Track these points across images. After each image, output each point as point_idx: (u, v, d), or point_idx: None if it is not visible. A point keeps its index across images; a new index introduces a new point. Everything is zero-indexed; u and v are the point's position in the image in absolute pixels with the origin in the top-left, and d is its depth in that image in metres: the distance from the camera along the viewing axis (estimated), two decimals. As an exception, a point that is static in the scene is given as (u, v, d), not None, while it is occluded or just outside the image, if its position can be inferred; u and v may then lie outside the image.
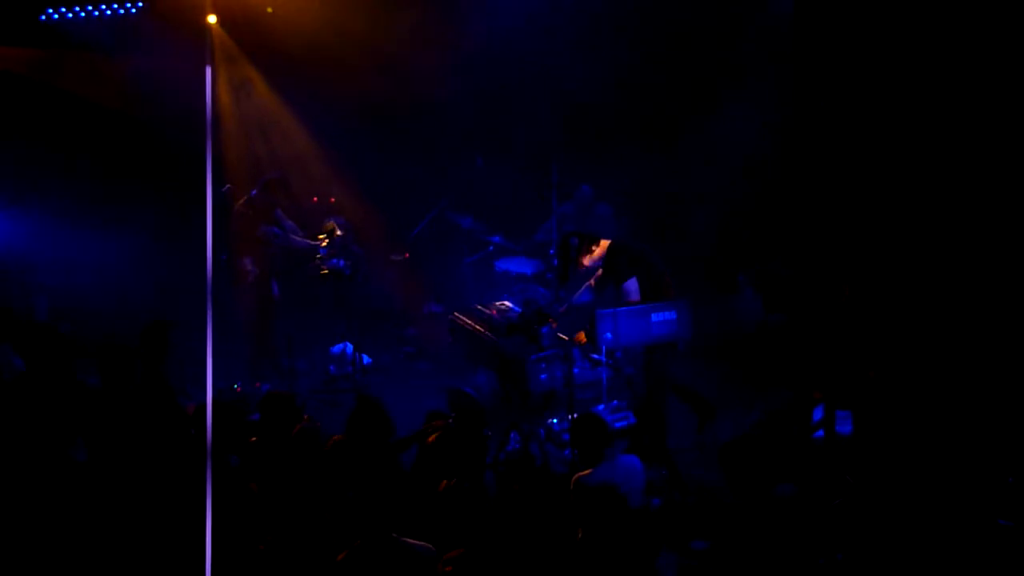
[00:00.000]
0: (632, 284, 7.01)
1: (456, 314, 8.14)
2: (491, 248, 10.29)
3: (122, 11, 10.23)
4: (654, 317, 6.72)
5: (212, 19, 10.09)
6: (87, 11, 10.18)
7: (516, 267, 9.77)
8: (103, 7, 10.19)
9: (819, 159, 8.40)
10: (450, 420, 5.99)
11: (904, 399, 6.83)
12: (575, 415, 6.73)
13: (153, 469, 5.34)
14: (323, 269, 9.23)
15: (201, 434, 5.28)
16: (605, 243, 7.28)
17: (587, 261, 7.28)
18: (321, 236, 9.36)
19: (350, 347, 9.39)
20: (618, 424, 7.52)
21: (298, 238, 9.44)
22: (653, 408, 7.08)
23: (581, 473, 5.58)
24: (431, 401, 7.27)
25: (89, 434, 5.65)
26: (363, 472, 5.16)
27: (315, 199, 10.90)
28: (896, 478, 6.16)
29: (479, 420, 6.19)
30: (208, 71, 3.96)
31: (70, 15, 10.17)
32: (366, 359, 9.53)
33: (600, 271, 7.31)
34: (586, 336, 6.92)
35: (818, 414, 6.99)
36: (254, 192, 9.29)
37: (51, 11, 10.14)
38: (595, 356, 7.87)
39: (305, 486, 5.40)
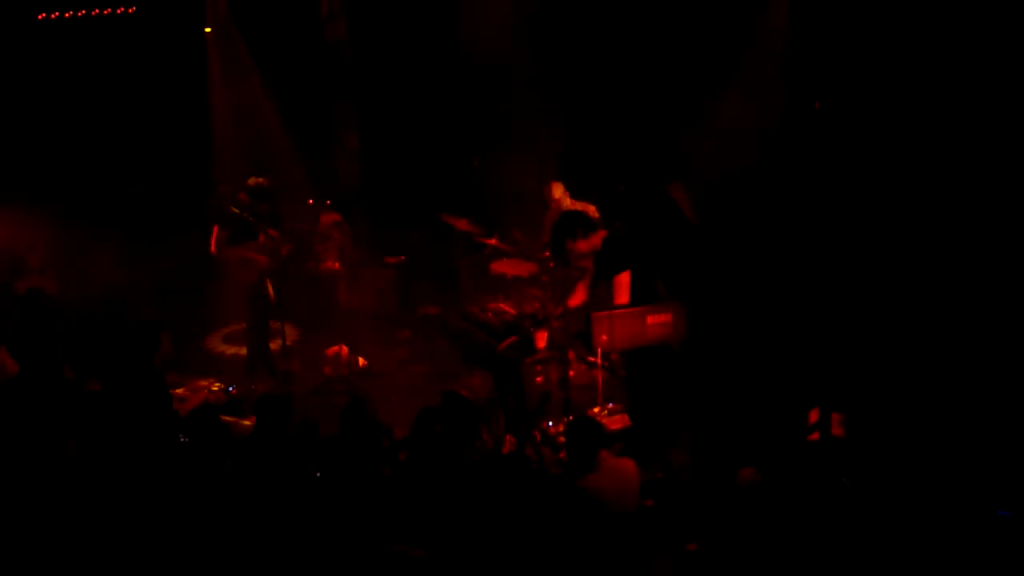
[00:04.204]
0: (623, 279, 6.93)
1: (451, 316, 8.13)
2: (487, 250, 10.27)
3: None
4: (650, 319, 6.70)
5: (208, 30, 10.18)
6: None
7: (512, 269, 9.75)
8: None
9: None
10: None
11: (898, 399, 6.83)
12: (570, 418, 6.72)
13: (146, 471, 5.32)
14: (317, 270, 9.22)
15: (193, 439, 5.29)
16: (602, 233, 7.20)
17: (585, 247, 7.16)
18: (315, 238, 9.35)
19: (345, 349, 9.37)
20: (613, 427, 7.51)
21: (292, 239, 9.42)
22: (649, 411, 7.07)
23: (576, 478, 5.56)
24: (427, 403, 7.24)
25: (83, 435, 5.64)
26: (355, 474, 5.14)
27: (310, 200, 10.89)
28: (892, 479, 6.17)
29: (474, 422, 6.17)
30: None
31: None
32: (361, 361, 9.50)
33: (591, 270, 7.25)
34: (581, 339, 6.88)
35: (814, 416, 6.98)
36: (247, 193, 9.27)
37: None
38: (590, 359, 7.86)
39: (301, 485, 5.37)
